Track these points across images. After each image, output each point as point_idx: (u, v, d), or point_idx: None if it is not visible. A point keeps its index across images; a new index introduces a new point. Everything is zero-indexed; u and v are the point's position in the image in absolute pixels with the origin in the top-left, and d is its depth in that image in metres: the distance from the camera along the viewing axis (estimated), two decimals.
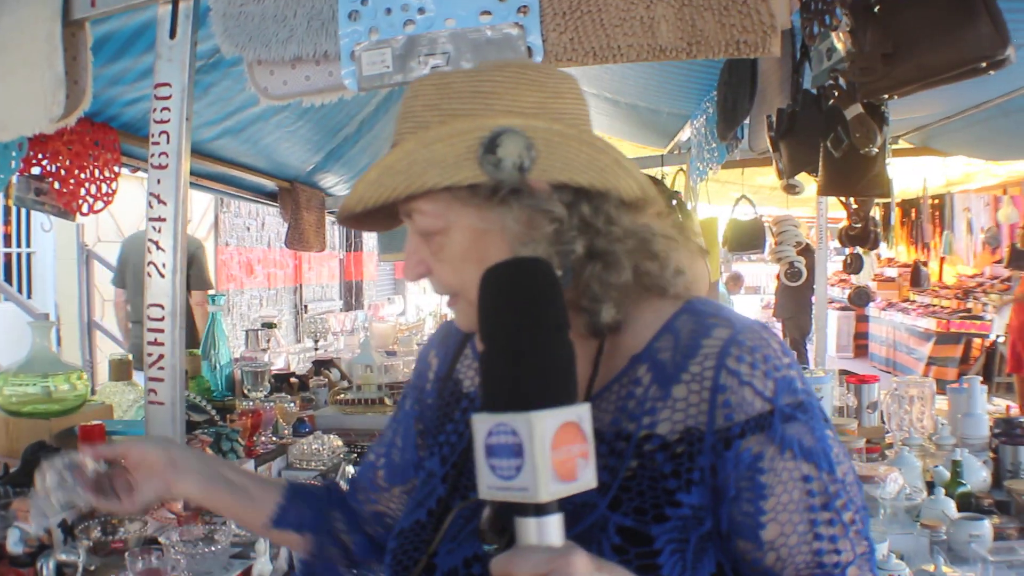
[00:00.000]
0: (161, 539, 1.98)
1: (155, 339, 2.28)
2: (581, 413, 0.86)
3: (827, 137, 2.90)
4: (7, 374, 2.71)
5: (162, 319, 2.29)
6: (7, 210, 7.55)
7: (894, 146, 4.78)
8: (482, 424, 0.86)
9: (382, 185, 1.03)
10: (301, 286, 11.53)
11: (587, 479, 0.86)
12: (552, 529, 0.85)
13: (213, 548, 1.98)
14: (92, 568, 1.82)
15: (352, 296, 13.93)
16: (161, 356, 2.28)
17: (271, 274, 11.56)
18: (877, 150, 2.68)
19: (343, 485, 1.46)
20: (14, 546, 1.88)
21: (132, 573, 1.82)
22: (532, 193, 1.02)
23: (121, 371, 3.31)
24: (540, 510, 0.84)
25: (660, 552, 0.98)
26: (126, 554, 1.90)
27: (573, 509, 0.88)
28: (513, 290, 0.89)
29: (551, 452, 0.82)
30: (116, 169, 3.59)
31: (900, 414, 3.34)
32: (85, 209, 3.51)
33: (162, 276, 2.29)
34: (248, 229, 10.88)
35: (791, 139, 3.41)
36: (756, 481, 0.99)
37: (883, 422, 3.49)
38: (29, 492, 2.12)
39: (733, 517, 1.01)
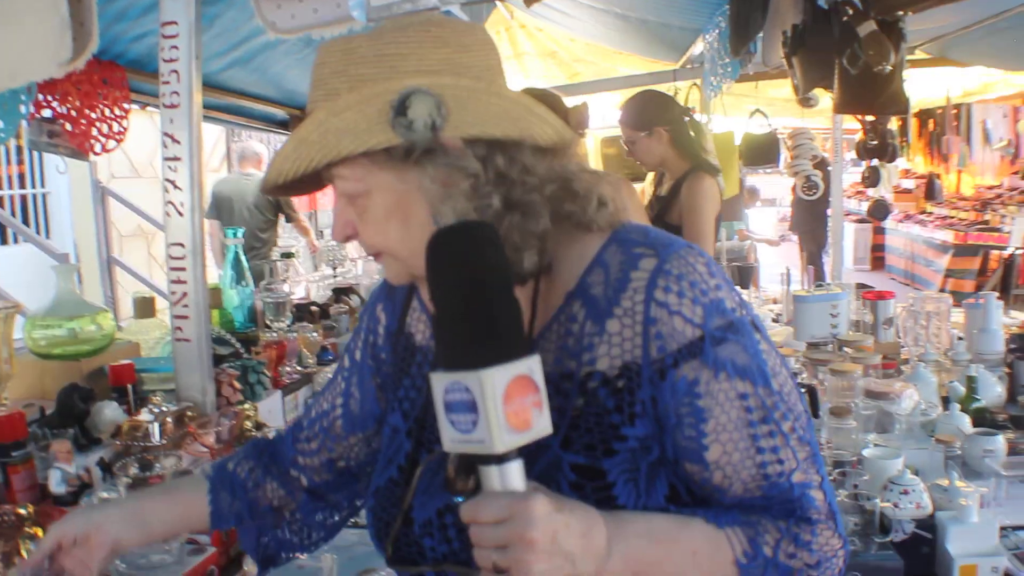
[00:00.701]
0: (196, 472, 2.04)
1: (177, 277, 2.32)
2: (532, 365, 0.91)
3: (842, 54, 2.85)
4: (35, 318, 2.75)
5: (183, 258, 2.33)
6: (20, 151, 7.56)
7: (910, 56, 4.70)
8: (439, 382, 0.90)
9: (299, 157, 1.05)
10: (316, 212, 11.54)
11: (542, 426, 0.91)
12: (514, 475, 0.91)
13: None
14: None
15: None
16: (184, 294, 2.32)
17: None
18: (891, 68, 2.64)
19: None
20: (56, 486, 1.94)
21: None
22: (446, 151, 1.04)
23: (145, 309, 3.35)
24: (500, 459, 0.89)
25: (614, 484, 1.03)
26: None
27: (529, 452, 0.92)
28: (457, 255, 0.92)
29: (504, 405, 0.87)
30: (126, 106, 3.59)
31: (916, 330, 3.36)
32: (98, 149, 3.52)
33: (180, 215, 2.32)
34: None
35: (804, 55, 3.36)
36: (694, 406, 1.03)
37: (899, 338, 3.51)
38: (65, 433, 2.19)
39: (677, 443, 1.05)
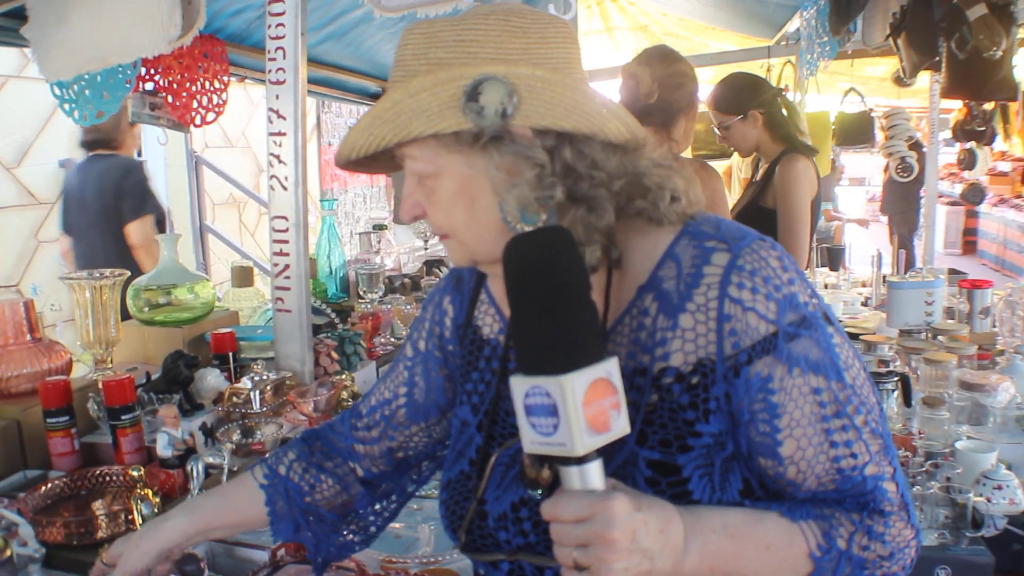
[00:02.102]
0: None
1: (280, 250, 2.39)
2: (609, 368, 0.92)
3: (950, 38, 2.77)
4: (138, 286, 2.86)
5: (286, 230, 2.39)
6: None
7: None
8: (519, 386, 0.92)
9: (372, 134, 1.07)
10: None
11: (620, 427, 0.92)
12: (593, 475, 0.92)
13: None
14: (235, 469, 1.96)
15: None
16: (287, 266, 2.39)
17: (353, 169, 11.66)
18: (1002, 53, 2.55)
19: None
20: (164, 450, 2.03)
21: None
22: (513, 139, 1.04)
23: (244, 278, 3.45)
24: (581, 460, 0.91)
25: (689, 479, 1.04)
26: (267, 455, 2.04)
27: (606, 448, 0.93)
28: (537, 261, 0.92)
29: (583, 409, 0.88)
30: (225, 79, 3.68)
31: (1013, 320, 3.27)
32: (198, 121, 3.63)
33: (284, 189, 2.38)
34: (349, 128, 10.99)
35: (907, 37, 3.27)
36: (768, 402, 1.04)
37: (994, 328, 3.42)
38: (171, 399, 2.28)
39: (751, 439, 1.06)
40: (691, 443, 1.05)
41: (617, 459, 1.06)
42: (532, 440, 0.92)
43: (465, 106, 1.02)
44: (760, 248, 1.06)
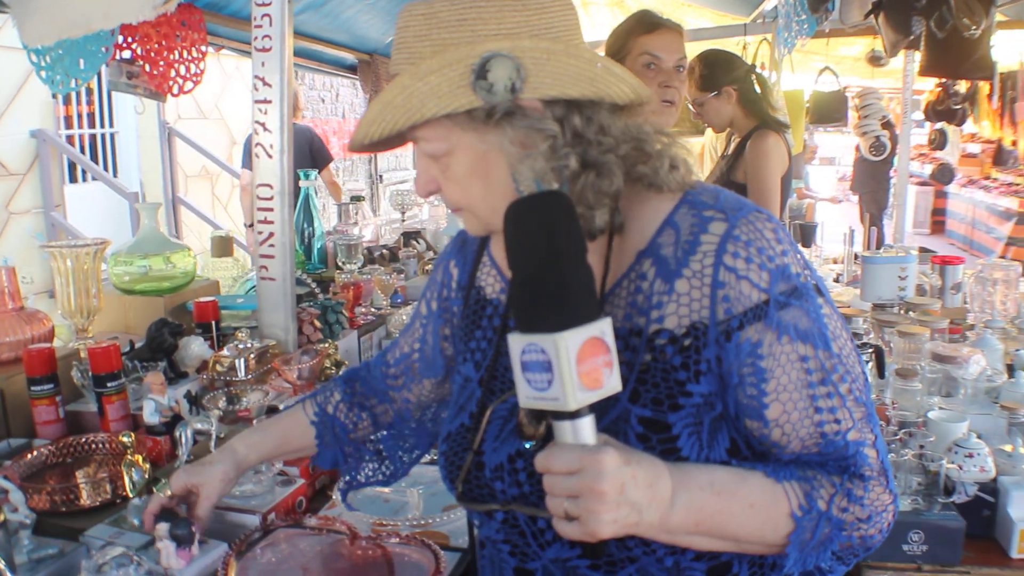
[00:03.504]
0: (281, 407, 2.12)
1: (265, 218, 2.39)
2: (603, 327, 0.95)
3: (931, 16, 2.80)
4: (118, 254, 2.85)
5: (271, 198, 2.39)
6: (89, 92, 7.69)
7: None
8: (516, 343, 0.95)
9: (384, 120, 1.09)
10: (376, 156, 11.61)
11: (612, 385, 0.96)
12: (585, 429, 0.96)
13: None
14: (222, 435, 1.97)
15: None
16: (271, 234, 2.39)
17: (346, 145, 11.62)
18: (980, 33, 2.59)
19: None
20: (150, 416, 2.03)
21: None
22: (525, 113, 1.07)
23: (223, 247, 3.44)
24: (573, 415, 0.95)
25: (678, 437, 1.08)
26: (253, 422, 2.05)
27: (599, 404, 0.97)
28: (536, 224, 0.96)
29: (577, 366, 0.92)
30: (203, 49, 3.65)
31: (983, 296, 3.33)
32: (176, 90, 3.60)
33: (270, 157, 2.38)
34: (323, 101, 10.93)
35: (883, 15, 3.31)
36: (757, 367, 1.07)
37: (965, 303, 3.49)
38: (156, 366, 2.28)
39: (739, 400, 1.10)
40: (682, 402, 1.09)
41: (610, 415, 1.09)
42: (527, 395, 0.96)
43: (475, 84, 1.05)
44: (756, 220, 1.09)
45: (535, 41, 1.07)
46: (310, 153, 6.46)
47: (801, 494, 1.07)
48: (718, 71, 3.48)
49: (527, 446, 1.11)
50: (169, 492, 1.49)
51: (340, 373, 2.51)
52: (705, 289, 1.08)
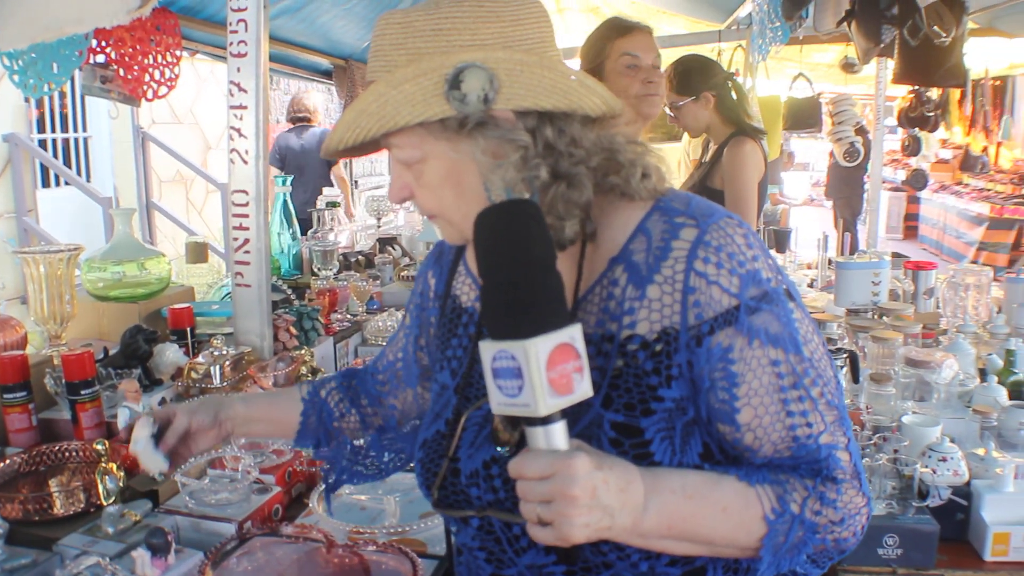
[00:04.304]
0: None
1: (240, 224, 2.37)
2: (573, 334, 0.96)
3: (903, 24, 2.83)
4: (92, 260, 2.82)
5: (246, 204, 2.37)
6: (63, 96, 7.62)
7: None
8: (487, 351, 0.96)
9: (359, 127, 1.10)
10: (352, 161, 11.58)
11: (583, 390, 0.97)
12: (557, 435, 0.96)
13: None
14: None
15: None
16: (247, 240, 2.37)
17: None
18: (952, 41, 2.62)
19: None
20: (124, 424, 2.00)
21: (236, 447, 1.92)
22: (497, 124, 1.08)
23: (198, 253, 3.42)
24: (545, 420, 0.95)
25: (651, 442, 1.08)
26: None
27: (572, 410, 0.98)
28: (505, 231, 0.97)
29: (547, 372, 0.92)
30: (178, 53, 3.63)
31: (956, 301, 3.37)
32: (150, 95, 3.58)
33: (245, 163, 2.36)
34: None
35: (855, 23, 3.34)
36: (728, 371, 1.08)
37: (938, 308, 3.52)
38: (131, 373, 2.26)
39: (711, 405, 1.10)
40: (654, 407, 1.09)
41: (583, 421, 1.09)
42: (499, 401, 0.96)
43: (448, 94, 1.05)
44: (727, 225, 1.10)
45: (509, 53, 1.08)
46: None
47: (774, 497, 1.08)
48: (697, 76, 3.50)
49: (501, 452, 1.12)
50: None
51: (316, 379, 2.53)
52: (676, 295, 1.08)
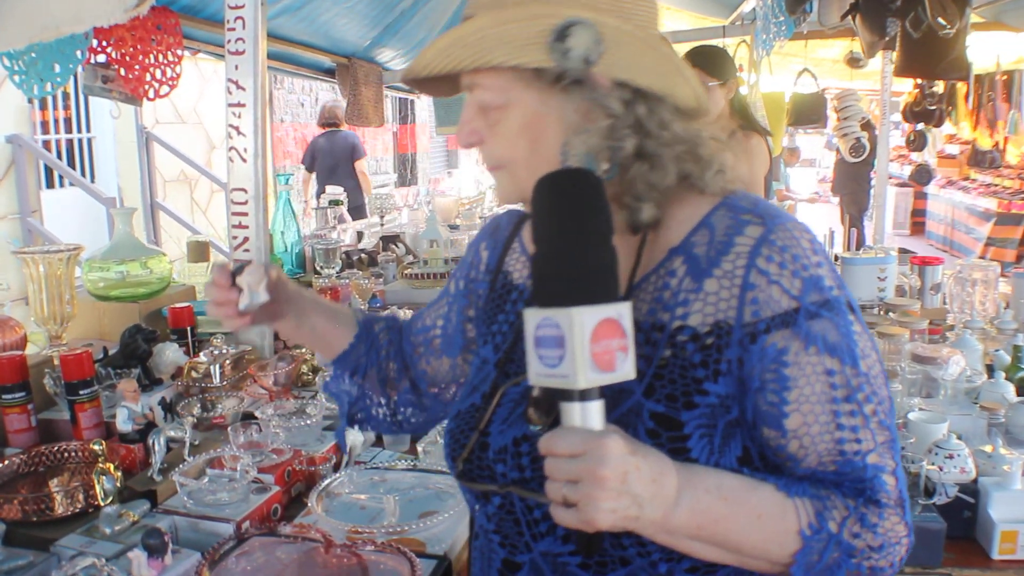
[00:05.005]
0: (257, 414, 2.10)
1: (239, 222, 2.36)
2: (621, 311, 0.93)
3: (906, 16, 2.81)
4: (93, 260, 2.81)
5: (245, 203, 2.36)
6: (66, 96, 7.63)
7: None
8: (531, 318, 0.94)
9: (450, 55, 1.07)
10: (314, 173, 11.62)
11: (625, 370, 0.93)
12: (593, 414, 0.93)
13: (307, 422, 2.09)
14: (196, 443, 1.94)
15: (407, 169, 13.96)
16: (246, 239, 2.36)
17: None
18: (955, 33, 2.59)
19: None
20: (123, 424, 2.00)
21: (235, 446, 1.94)
22: (594, 86, 1.05)
23: (199, 252, 3.41)
24: (582, 396, 0.92)
25: (690, 436, 1.05)
26: (228, 428, 2.03)
27: (612, 395, 0.95)
28: (563, 198, 0.95)
29: (590, 344, 0.90)
30: (179, 53, 3.63)
31: (963, 297, 3.35)
32: (151, 94, 3.57)
33: (244, 161, 2.36)
34: (302, 105, 10.91)
35: (860, 17, 3.32)
36: (780, 374, 1.04)
37: (944, 304, 3.49)
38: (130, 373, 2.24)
39: (758, 407, 1.07)
40: (697, 400, 1.06)
41: (622, 407, 1.06)
42: (537, 371, 0.94)
43: (552, 44, 1.03)
44: (794, 228, 1.07)
45: (620, 22, 1.06)
46: (352, 153, 7.79)
47: (812, 512, 1.03)
48: (727, 62, 3.49)
49: (534, 429, 1.06)
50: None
51: (317, 379, 2.51)
52: (734, 290, 1.05)
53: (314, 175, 7.89)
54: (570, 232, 0.93)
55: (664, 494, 0.95)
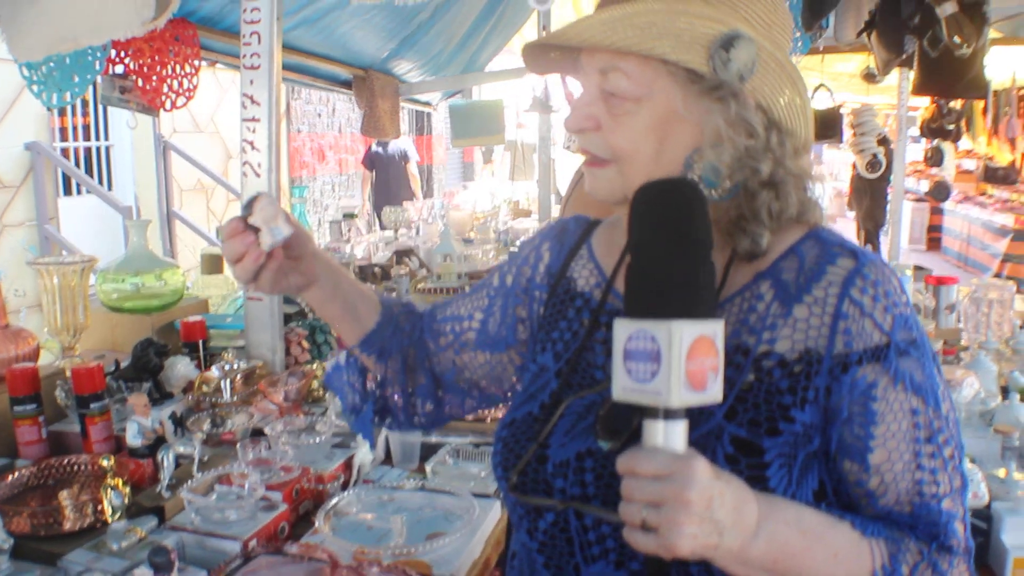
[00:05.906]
0: (267, 430, 2.10)
1: None
2: (716, 329, 0.90)
3: (923, 35, 2.79)
4: (106, 272, 2.82)
5: None
6: (84, 104, 7.68)
7: None
8: (623, 329, 0.91)
9: (613, 31, 1.04)
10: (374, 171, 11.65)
11: (715, 392, 0.91)
12: (677, 434, 0.90)
13: (317, 440, 2.09)
14: (205, 459, 1.94)
15: (423, 180, 13.99)
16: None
17: (342, 160, 11.68)
18: (973, 52, 2.57)
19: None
20: (133, 439, 2.00)
21: (244, 463, 1.94)
22: (744, 103, 1.05)
23: (213, 265, 3.42)
24: (669, 415, 0.89)
25: (770, 465, 1.02)
26: (237, 445, 2.03)
27: (691, 416, 0.92)
28: (673, 207, 0.92)
29: (686, 361, 0.87)
30: (196, 63, 3.64)
31: (978, 317, 3.32)
32: (168, 105, 3.58)
33: (258, 176, 2.36)
34: (319, 115, 10.95)
35: (875, 34, 3.31)
36: (868, 407, 1.03)
37: (959, 324, 3.47)
38: (140, 387, 2.25)
39: (843, 439, 1.05)
40: (782, 427, 1.04)
41: (701, 429, 1.03)
42: (625, 386, 0.90)
43: (715, 51, 1.02)
44: (884, 266, 1.07)
45: (774, 48, 1.06)
46: (404, 157, 9.52)
47: (887, 554, 1.02)
48: None
49: (604, 445, 1.02)
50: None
51: (327, 395, 2.51)
52: (826, 318, 1.04)
53: (374, 172, 9.64)
54: (680, 244, 0.91)
55: (745, 523, 0.93)
